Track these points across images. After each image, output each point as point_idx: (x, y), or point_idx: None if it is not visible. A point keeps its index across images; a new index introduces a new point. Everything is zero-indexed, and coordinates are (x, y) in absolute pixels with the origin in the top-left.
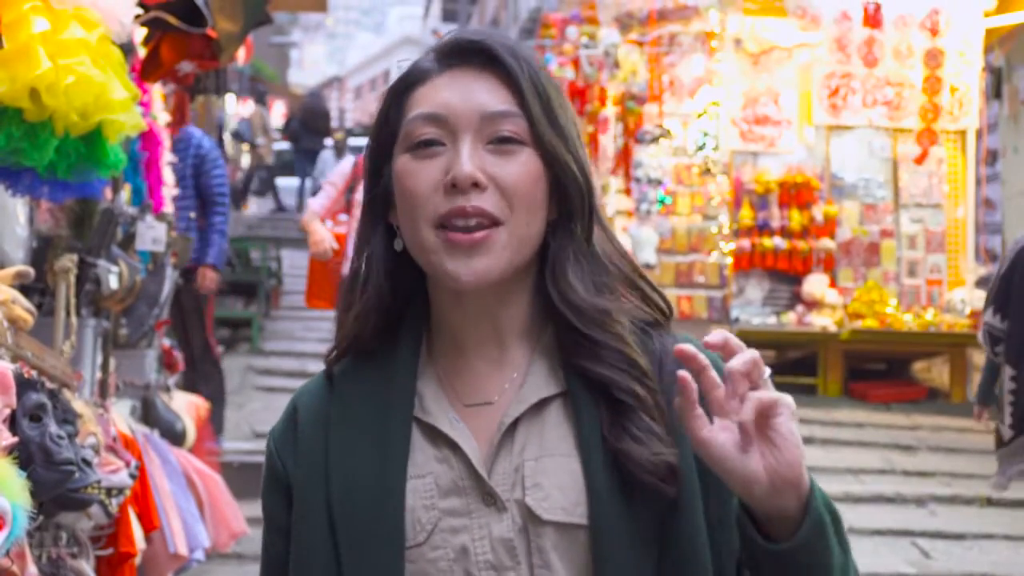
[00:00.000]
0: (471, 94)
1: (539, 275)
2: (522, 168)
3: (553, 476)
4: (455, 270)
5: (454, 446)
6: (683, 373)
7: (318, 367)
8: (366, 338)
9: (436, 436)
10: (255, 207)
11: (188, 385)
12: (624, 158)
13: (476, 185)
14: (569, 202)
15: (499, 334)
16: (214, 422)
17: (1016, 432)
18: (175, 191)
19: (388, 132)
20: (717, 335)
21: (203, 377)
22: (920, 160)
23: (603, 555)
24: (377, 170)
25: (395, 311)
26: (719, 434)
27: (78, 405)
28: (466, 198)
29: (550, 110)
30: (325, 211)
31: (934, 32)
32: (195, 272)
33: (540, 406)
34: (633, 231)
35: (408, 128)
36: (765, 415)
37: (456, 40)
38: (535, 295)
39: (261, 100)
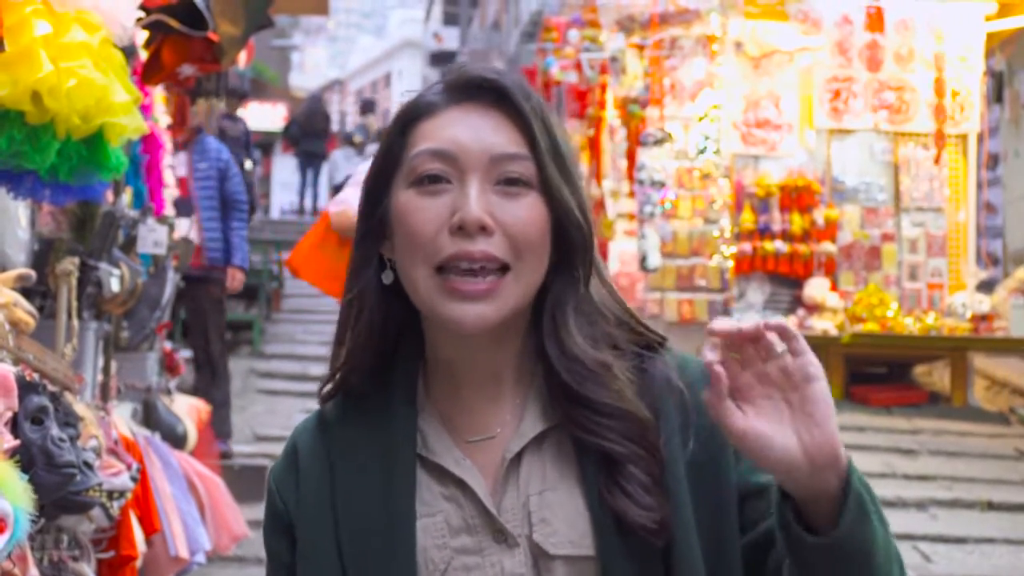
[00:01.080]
0: (481, 133)
1: (533, 313)
2: (529, 212)
3: (558, 510)
4: (457, 316)
5: (461, 484)
6: (715, 366)
7: (320, 370)
8: (360, 376)
9: (442, 474)
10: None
11: (202, 387)
12: (627, 161)
13: (483, 229)
14: (571, 246)
15: (496, 370)
16: (222, 426)
17: None
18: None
19: (390, 163)
20: (722, 323)
21: (221, 379)
22: (937, 159)
23: None
24: (375, 200)
25: (388, 346)
26: (754, 422)
27: (80, 408)
28: (473, 242)
29: (558, 153)
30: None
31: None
32: (215, 273)
33: (540, 438)
34: (647, 233)
35: (414, 162)
36: (796, 385)
37: (467, 75)
38: (529, 332)
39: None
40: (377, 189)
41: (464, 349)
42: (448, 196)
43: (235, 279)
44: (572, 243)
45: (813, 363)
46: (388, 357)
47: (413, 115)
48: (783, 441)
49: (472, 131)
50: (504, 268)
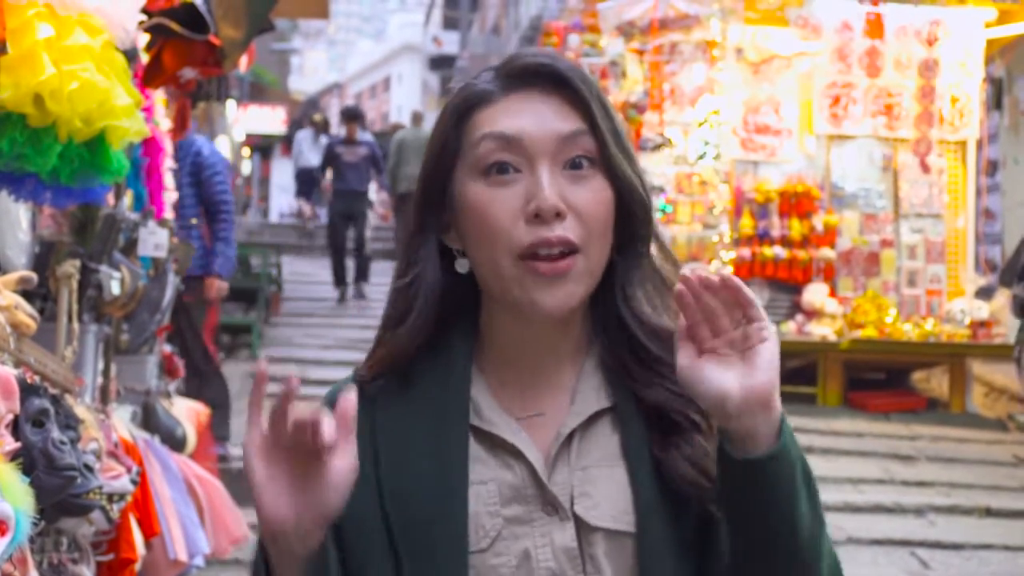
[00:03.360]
0: (543, 117)
1: (594, 293)
2: (597, 194)
3: (601, 486)
4: (539, 300)
5: (516, 454)
6: (683, 292)
7: (319, 374)
8: (407, 359)
9: (496, 445)
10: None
11: (191, 392)
12: None
13: (558, 215)
14: (635, 222)
15: (556, 352)
16: (218, 428)
17: None
18: (174, 196)
19: (448, 153)
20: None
21: (207, 383)
22: (923, 164)
23: (649, 563)
24: (435, 190)
25: (438, 332)
26: (702, 361)
27: (80, 411)
28: (550, 228)
29: (617, 132)
30: None
31: (931, 43)
32: (199, 280)
33: (591, 419)
34: None
35: (479, 152)
36: (749, 345)
37: (523, 62)
38: (588, 313)
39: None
40: (436, 181)
41: (530, 329)
42: (520, 185)
43: (212, 288)
44: (636, 218)
45: (767, 328)
46: (437, 341)
47: (468, 105)
48: (720, 377)
49: (535, 116)
50: (576, 251)
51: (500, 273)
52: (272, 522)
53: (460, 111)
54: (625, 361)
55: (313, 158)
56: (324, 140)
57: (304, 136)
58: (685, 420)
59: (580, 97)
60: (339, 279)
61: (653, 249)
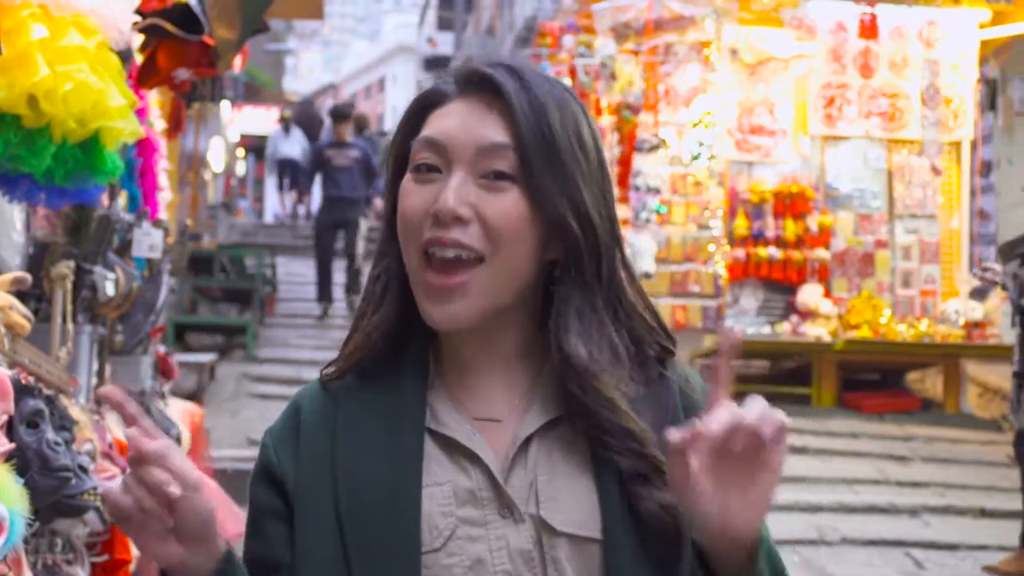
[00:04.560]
0: (473, 125)
1: (540, 301)
2: (509, 206)
3: (567, 492)
4: (429, 311)
5: (472, 457)
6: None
7: (313, 375)
8: (372, 355)
9: (452, 447)
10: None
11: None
12: (622, 167)
13: (458, 219)
14: (571, 245)
15: (503, 356)
16: None
17: None
18: (168, 196)
19: (403, 150)
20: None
21: None
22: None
23: (615, 570)
24: (394, 188)
25: (404, 328)
26: (701, 475)
27: (75, 411)
28: (446, 231)
29: (552, 148)
30: None
31: (927, 44)
32: None
33: (551, 424)
34: (632, 239)
35: (413, 149)
36: (755, 467)
37: (468, 67)
38: (537, 319)
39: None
40: (394, 175)
41: (474, 336)
42: (437, 185)
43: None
44: (570, 242)
45: (777, 458)
46: (403, 339)
47: (425, 104)
48: (707, 503)
49: (466, 123)
50: (479, 259)
51: (411, 272)
52: (170, 565)
53: (416, 110)
54: (564, 383)
55: (286, 148)
56: (296, 133)
57: (275, 134)
58: (622, 460)
59: (512, 111)
60: (323, 293)
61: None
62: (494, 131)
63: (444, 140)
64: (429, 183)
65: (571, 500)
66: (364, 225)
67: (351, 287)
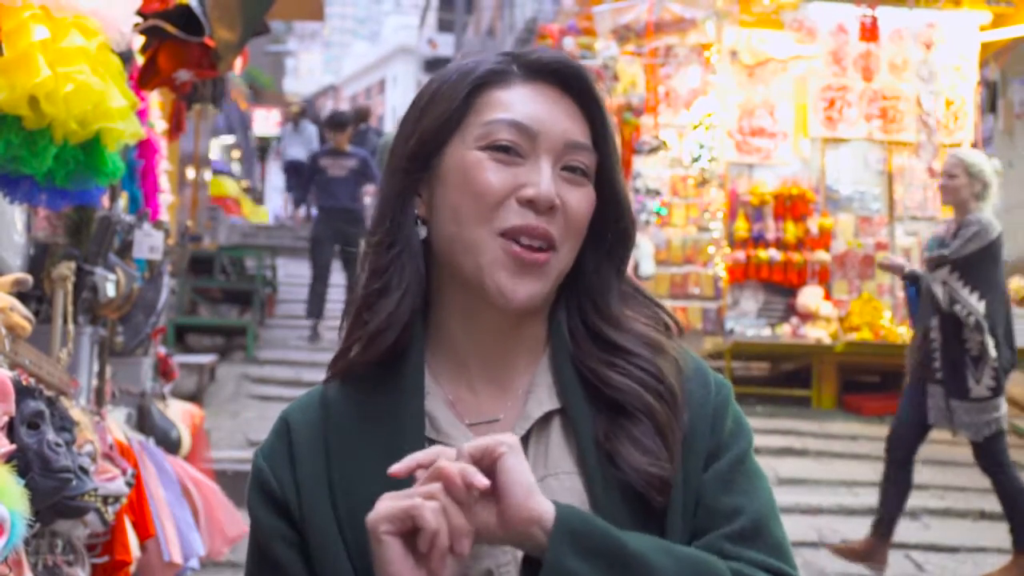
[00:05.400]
0: (558, 116)
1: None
2: (586, 201)
3: (560, 494)
4: (509, 288)
5: None
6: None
7: (313, 376)
8: (394, 333)
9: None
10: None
11: None
12: (623, 169)
13: (551, 209)
14: (619, 236)
15: (506, 354)
16: None
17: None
18: (169, 198)
19: (450, 122)
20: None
21: None
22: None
23: None
24: (426, 153)
25: (421, 305)
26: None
27: (75, 413)
28: (539, 219)
29: (614, 147)
30: None
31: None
32: None
33: (545, 421)
34: (640, 242)
35: (488, 128)
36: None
37: (545, 56)
38: (542, 319)
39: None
40: (431, 144)
41: (482, 327)
42: (520, 169)
43: None
44: (621, 234)
45: (501, 444)
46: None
47: (483, 80)
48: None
49: (551, 113)
50: (554, 248)
51: (475, 247)
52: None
53: (471, 83)
54: (587, 350)
55: (293, 150)
56: (309, 128)
57: (285, 132)
58: (643, 410)
59: (595, 107)
60: (314, 309)
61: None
62: (577, 128)
63: (536, 127)
64: (509, 165)
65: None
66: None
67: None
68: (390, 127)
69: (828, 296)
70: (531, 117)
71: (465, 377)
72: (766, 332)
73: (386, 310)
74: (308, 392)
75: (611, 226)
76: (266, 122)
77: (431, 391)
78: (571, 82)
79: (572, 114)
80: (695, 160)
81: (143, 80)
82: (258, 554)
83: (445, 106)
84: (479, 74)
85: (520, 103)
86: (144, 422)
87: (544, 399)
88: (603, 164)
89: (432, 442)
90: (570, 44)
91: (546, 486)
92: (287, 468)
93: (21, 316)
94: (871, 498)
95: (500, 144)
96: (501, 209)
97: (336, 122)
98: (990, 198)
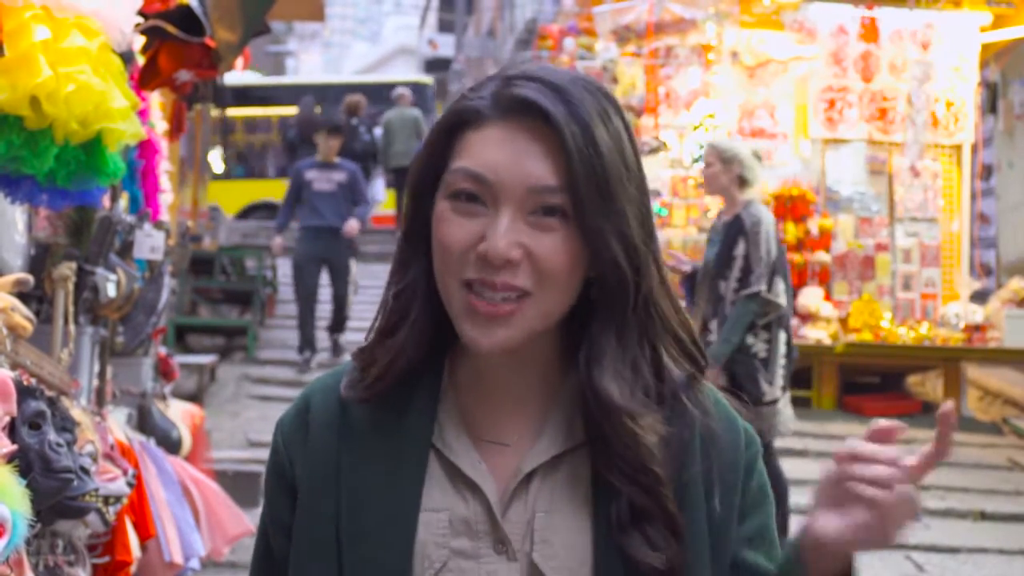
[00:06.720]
0: (520, 160)
1: (567, 323)
2: (559, 246)
3: (563, 534)
4: (475, 337)
5: (473, 486)
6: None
7: (312, 377)
8: (399, 370)
9: (455, 472)
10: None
11: None
12: None
13: (508, 262)
14: (610, 284)
15: (524, 375)
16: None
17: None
18: (170, 198)
19: (432, 167)
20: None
21: None
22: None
23: None
24: (420, 199)
25: (434, 335)
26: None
27: (76, 413)
28: (496, 273)
29: (604, 184)
30: None
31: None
32: None
33: (557, 458)
34: None
35: (453, 176)
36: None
37: (513, 92)
38: (557, 351)
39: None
40: (423, 188)
41: (488, 361)
42: (481, 219)
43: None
44: (617, 276)
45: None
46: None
47: (459, 121)
48: (838, 531)
49: (512, 157)
50: (526, 295)
51: (449, 297)
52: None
53: (449, 127)
54: (585, 409)
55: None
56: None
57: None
58: (633, 499)
59: (565, 150)
60: (306, 340)
61: (665, 308)
62: (545, 170)
63: (492, 177)
64: (471, 216)
65: (565, 544)
66: (355, 268)
67: (335, 327)
68: None
69: (828, 297)
70: (488, 166)
71: (484, 389)
72: None
73: (391, 352)
74: (334, 371)
75: (603, 269)
76: None
77: (446, 396)
78: (542, 112)
79: (545, 155)
80: (695, 161)
81: (144, 80)
82: (264, 526)
83: (428, 151)
84: (454, 115)
85: (482, 149)
86: (145, 422)
87: (561, 434)
88: (577, 207)
89: (437, 452)
90: (570, 45)
91: (550, 520)
92: (300, 446)
93: (22, 316)
94: None
95: (459, 191)
96: (464, 261)
97: (330, 127)
98: (754, 182)
